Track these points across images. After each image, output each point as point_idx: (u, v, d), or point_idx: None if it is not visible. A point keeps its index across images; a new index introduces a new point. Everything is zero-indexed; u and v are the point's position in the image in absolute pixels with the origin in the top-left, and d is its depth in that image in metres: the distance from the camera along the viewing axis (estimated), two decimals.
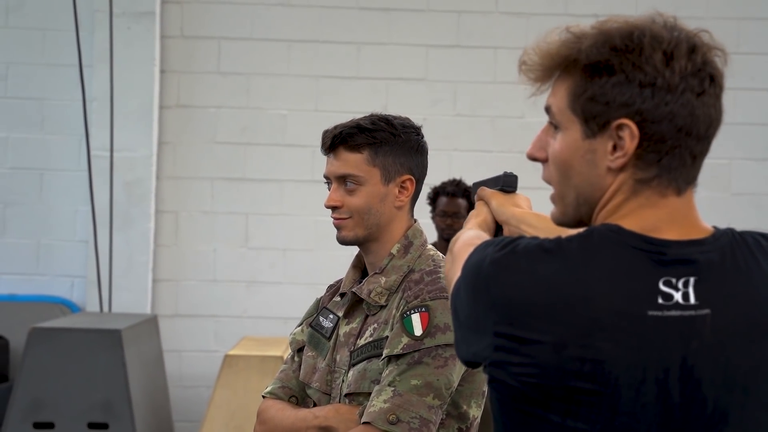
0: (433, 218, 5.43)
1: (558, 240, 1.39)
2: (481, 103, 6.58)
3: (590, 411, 1.34)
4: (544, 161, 1.48)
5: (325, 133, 2.30)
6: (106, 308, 6.12)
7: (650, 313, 1.35)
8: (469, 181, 5.47)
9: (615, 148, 1.40)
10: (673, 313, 1.36)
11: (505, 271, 1.38)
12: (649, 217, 1.41)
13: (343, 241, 2.28)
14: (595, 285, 1.35)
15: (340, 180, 2.26)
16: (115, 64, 6.20)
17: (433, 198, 5.43)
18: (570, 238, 1.40)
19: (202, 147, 6.58)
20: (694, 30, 1.43)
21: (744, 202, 6.60)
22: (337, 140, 2.25)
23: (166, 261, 6.56)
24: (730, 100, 6.77)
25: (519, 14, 6.53)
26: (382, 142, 2.25)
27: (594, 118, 1.40)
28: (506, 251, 1.40)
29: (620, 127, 1.39)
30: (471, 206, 5.38)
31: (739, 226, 5.99)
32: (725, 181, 6.59)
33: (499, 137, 6.53)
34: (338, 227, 2.28)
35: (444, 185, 5.42)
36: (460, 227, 5.72)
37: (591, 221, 1.46)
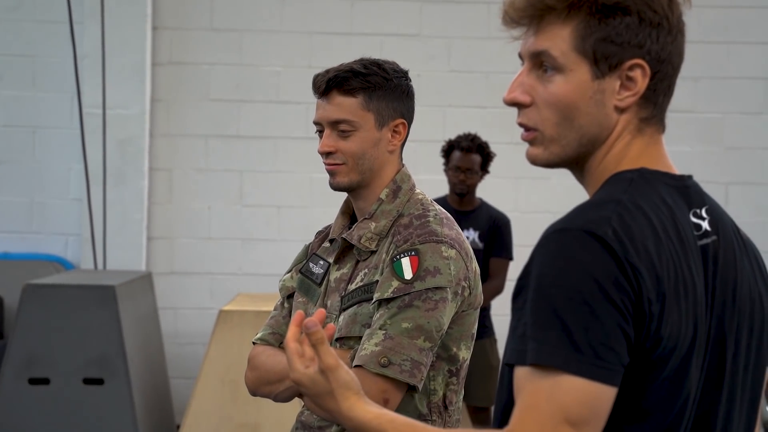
0: (446, 171, 5.42)
1: (615, 198, 1.39)
2: (475, 59, 6.55)
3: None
4: (527, 106, 1.45)
5: (318, 77, 2.27)
6: (100, 266, 6.13)
7: (698, 243, 1.42)
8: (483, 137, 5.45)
9: (621, 87, 1.42)
10: (705, 241, 1.43)
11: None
12: (658, 156, 1.47)
13: (337, 187, 2.27)
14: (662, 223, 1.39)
15: (333, 125, 2.23)
16: (106, 21, 6.16)
17: (447, 151, 5.41)
18: (622, 194, 1.40)
19: (196, 104, 6.56)
20: None
21: (737, 156, 6.59)
22: (332, 84, 2.22)
23: (161, 219, 6.56)
24: (723, 54, 6.75)
25: None
26: (376, 87, 2.23)
27: (606, 58, 1.41)
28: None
29: (632, 67, 1.41)
30: (485, 162, 5.41)
31: (733, 180, 6.04)
32: (718, 135, 6.58)
33: (493, 93, 6.50)
34: (332, 173, 2.25)
35: (459, 139, 5.40)
36: (473, 183, 5.72)
37: (587, 162, 1.47)
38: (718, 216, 1.48)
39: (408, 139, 2.32)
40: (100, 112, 6.21)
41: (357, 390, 1.48)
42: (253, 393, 2.31)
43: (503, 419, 1.39)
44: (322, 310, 1.49)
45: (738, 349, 1.45)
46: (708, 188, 5.88)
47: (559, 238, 1.33)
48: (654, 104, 1.45)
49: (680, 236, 1.39)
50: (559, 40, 1.42)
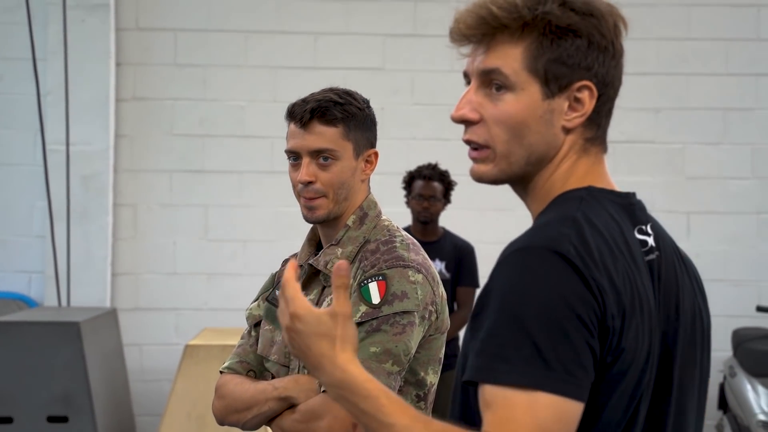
0: (408, 202, 5.46)
1: (570, 216, 1.41)
2: (438, 92, 6.61)
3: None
4: (475, 123, 1.47)
5: (296, 106, 2.26)
6: (64, 303, 6.08)
7: (644, 259, 1.45)
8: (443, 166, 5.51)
9: (568, 108, 1.45)
10: (650, 257, 1.46)
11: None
12: (602, 174, 1.50)
13: (315, 220, 2.25)
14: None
15: (314, 154, 2.23)
16: (69, 57, 6.16)
17: (409, 182, 5.47)
18: (576, 212, 1.42)
19: (160, 139, 6.55)
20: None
21: (698, 186, 6.67)
22: (316, 113, 2.22)
23: (125, 254, 6.53)
24: (682, 85, 6.85)
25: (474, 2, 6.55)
26: (353, 116, 2.25)
27: (556, 79, 1.44)
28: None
29: (580, 88, 1.45)
30: (447, 190, 5.46)
31: (694, 209, 6.09)
32: (679, 165, 6.66)
33: (456, 125, 6.51)
34: (310, 206, 2.23)
35: (420, 169, 5.46)
36: (437, 211, 5.74)
37: (532, 180, 1.49)
38: (659, 232, 1.51)
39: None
40: (64, 148, 6.19)
41: (356, 348, 1.43)
42: (221, 422, 2.30)
43: None
44: (344, 262, 1.42)
45: (683, 362, 1.47)
46: (670, 217, 6.04)
47: (521, 256, 1.33)
48: (598, 125, 1.48)
49: (631, 252, 1.41)
50: (511, 59, 1.44)
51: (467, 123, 1.48)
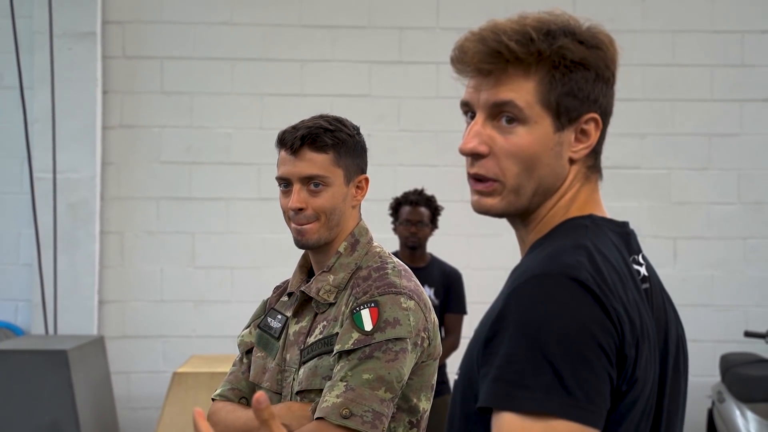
0: (395, 228, 5.47)
1: (582, 244, 1.41)
2: (424, 118, 6.63)
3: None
4: (485, 156, 1.45)
5: (286, 133, 2.27)
6: (51, 331, 6.05)
7: (641, 288, 1.45)
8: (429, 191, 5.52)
9: (575, 139, 1.46)
10: (645, 286, 1.46)
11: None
12: (598, 202, 1.52)
13: (306, 245, 2.26)
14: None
15: (304, 181, 2.24)
16: (56, 86, 6.16)
17: (396, 208, 5.48)
18: (585, 240, 1.42)
19: (147, 167, 6.55)
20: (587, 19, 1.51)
21: (684, 211, 6.71)
22: (306, 140, 2.23)
23: (112, 282, 6.51)
24: (668, 111, 6.89)
25: (460, 29, 6.52)
26: (344, 143, 2.26)
27: (567, 112, 1.44)
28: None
29: (587, 120, 1.46)
30: (433, 215, 5.47)
31: (680, 234, 6.11)
32: (665, 191, 6.70)
33: (443, 152, 6.58)
34: (301, 231, 2.24)
35: (406, 195, 5.48)
36: (424, 236, 5.72)
37: (536, 210, 1.49)
38: (648, 263, 1.52)
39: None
40: (51, 176, 6.18)
41: None
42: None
43: None
44: (262, 392, 1.42)
45: (672, 390, 1.48)
46: (656, 243, 6.07)
47: (539, 283, 1.32)
48: (597, 153, 1.50)
49: (635, 281, 1.42)
50: (524, 92, 1.43)
51: (477, 156, 1.46)
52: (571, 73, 1.43)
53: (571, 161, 1.47)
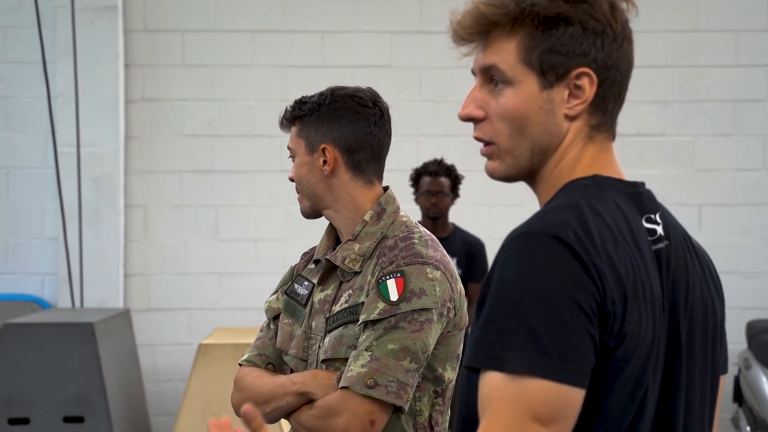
0: (416, 199, 5.47)
1: (574, 203, 1.42)
2: (446, 88, 6.61)
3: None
4: (482, 120, 1.48)
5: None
6: (78, 304, 6.10)
7: (652, 248, 1.44)
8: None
9: (569, 96, 1.45)
10: (660, 245, 1.45)
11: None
12: (609, 162, 1.50)
13: (303, 214, 2.36)
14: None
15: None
16: (78, 60, 6.17)
17: (416, 179, 5.48)
18: (580, 199, 1.43)
19: (170, 140, 6.57)
20: None
21: (709, 178, 6.66)
22: (285, 115, 2.36)
23: (137, 255, 6.54)
24: (692, 78, 6.82)
25: None
26: (308, 112, 2.29)
27: (552, 68, 1.44)
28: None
29: (579, 75, 1.44)
30: (454, 184, 5.46)
31: (706, 201, 6.08)
32: (689, 158, 6.65)
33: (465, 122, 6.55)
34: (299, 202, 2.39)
35: (426, 165, 5.47)
36: (445, 205, 5.74)
37: (541, 171, 1.49)
38: (669, 222, 1.50)
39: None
40: (74, 150, 6.20)
41: None
42: (240, 414, 2.31)
43: (465, 423, 1.42)
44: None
45: (692, 353, 1.46)
46: (681, 210, 6.04)
47: (521, 242, 1.34)
48: (603, 111, 1.47)
49: (635, 240, 1.41)
50: (506, 53, 1.45)
51: (474, 120, 1.49)
52: (551, 30, 1.43)
53: (569, 118, 1.46)
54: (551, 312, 1.28)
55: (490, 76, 1.47)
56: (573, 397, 1.28)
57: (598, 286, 1.31)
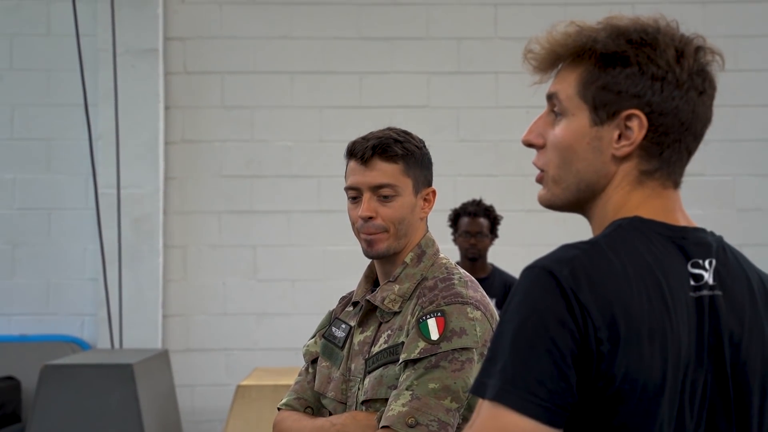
0: (455, 240, 5.46)
1: (593, 240, 1.42)
2: (483, 128, 6.62)
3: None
4: (540, 147, 1.50)
5: (358, 143, 2.31)
6: (117, 345, 6.12)
7: (690, 294, 1.41)
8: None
9: (620, 137, 1.44)
10: (705, 293, 1.42)
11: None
12: (659, 207, 1.47)
13: (376, 255, 2.28)
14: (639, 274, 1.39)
15: (374, 190, 2.27)
16: (119, 102, 6.25)
17: (455, 219, 5.47)
18: (602, 237, 1.42)
19: (209, 181, 6.62)
20: (693, 34, 1.49)
21: (749, 218, 6.61)
22: (377, 150, 2.26)
23: (176, 296, 6.57)
24: (731, 117, 6.80)
25: (518, 39, 6.57)
26: (412, 154, 2.29)
27: (604, 106, 1.44)
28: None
29: (629, 117, 1.43)
30: (493, 225, 5.45)
31: (745, 242, 6.06)
32: (729, 198, 6.60)
33: (502, 161, 6.56)
34: (370, 241, 2.27)
35: (465, 206, 5.46)
36: (484, 247, 5.67)
37: (590, 208, 1.50)
38: (729, 271, 1.46)
39: None
40: (115, 191, 6.26)
41: None
42: None
43: None
44: None
45: (746, 410, 1.42)
46: None
47: (525, 274, 1.37)
48: (658, 158, 1.45)
49: (658, 284, 1.38)
50: (567, 84, 1.47)
51: (534, 147, 1.51)
52: (608, 68, 1.44)
53: (618, 160, 1.45)
54: (525, 345, 1.30)
55: (552, 105, 1.49)
56: (535, 430, 1.28)
57: (580, 324, 1.31)
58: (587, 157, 1.46)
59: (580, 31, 1.46)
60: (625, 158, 1.45)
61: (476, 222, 5.39)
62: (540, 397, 1.29)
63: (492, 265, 5.54)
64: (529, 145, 1.51)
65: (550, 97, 1.49)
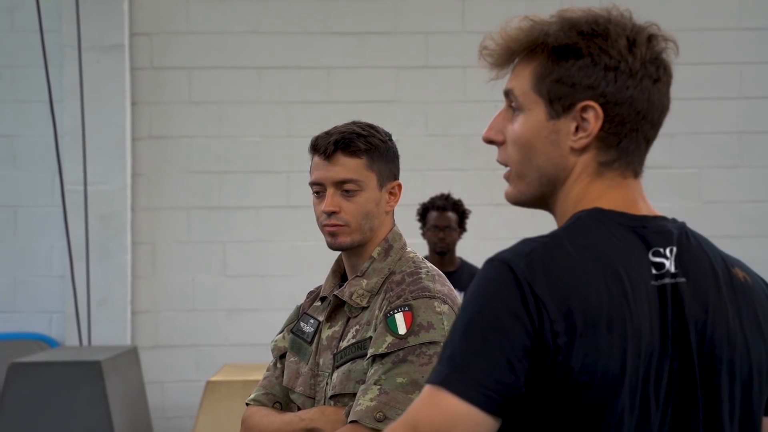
0: (423, 234, 5.46)
1: (554, 233, 1.43)
2: (452, 123, 6.63)
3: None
4: (501, 144, 1.51)
5: (321, 138, 2.30)
6: (85, 342, 6.09)
7: (651, 283, 1.41)
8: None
9: (577, 129, 1.45)
10: (667, 281, 1.42)
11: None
12: (619, 197, 1.47)
13: (339, 247, 2.28)
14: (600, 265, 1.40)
15: (338, 185, 2.27)
16: (85, 98, 6.20)
17: (423, 213, 5.47)
18: (561, 230, 1.44)
19: (177, 177, 6.58)
20: (646, 22, 1.49)
21: (714, 211, 6.66)
22: (340, 145, 2.26)
23: (145, 292, 6.54)
24: (697, 110, 6.85)
25: (485, 32, 6.55)
26: (376, 148, 2.28)
27: (559, 99, 1.45)
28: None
29: (585, 108, 1.44)
30: (461, 219, 5.46)
31: (712, 234, 6.07)
32: (695, 190, 6.65)
33: (471, 156, 6.57)
34: (333, 233, 2.26)
35: (433, 200, 5.47)
36: (452, 240, 5.70)
37: (553, 202, 1.50)
38: (692, 258, 1.46)
39: None
40: (82, 188, 6.22)
41: None
42: None
43: None
44: None
45: (714, 395, 1.42)
46: None
47: (484, 266, 1.39)
48: (616, 148, 1.46)
49: (618, 274, 1.38)
50: (522, 80, 1.48)
51: (495, 143, 1.52)
52: (560, 61, 1.44)
53: (576, 152, 1.46)
54: (476, 333, 1.32)
55: (510, 101, 1.50)
56: (473, 418, 1.29)
57: (534, 317, 1.32)
58: (546, 151, 1.46)
59: (533, 26, 1.46)
60: (583, 150, 1.45)
61: (444, 216, 5.40)
62: (485, 386, 1.30)
63: (460, 258, 5.55)
64: (489, 142, 1.52)
65: (507, 94, 1.50)
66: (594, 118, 1.43)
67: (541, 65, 1.45)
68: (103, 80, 6.38)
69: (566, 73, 1.44)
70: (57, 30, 6.37)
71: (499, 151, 1.52)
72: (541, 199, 1.50)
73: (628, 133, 1.46)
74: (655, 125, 1.49)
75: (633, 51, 1.44)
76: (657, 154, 6.96)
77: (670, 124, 6.06)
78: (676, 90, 5.81)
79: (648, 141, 1.49)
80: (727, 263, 1.52)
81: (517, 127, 1.47)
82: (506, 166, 1.51)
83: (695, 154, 6.65)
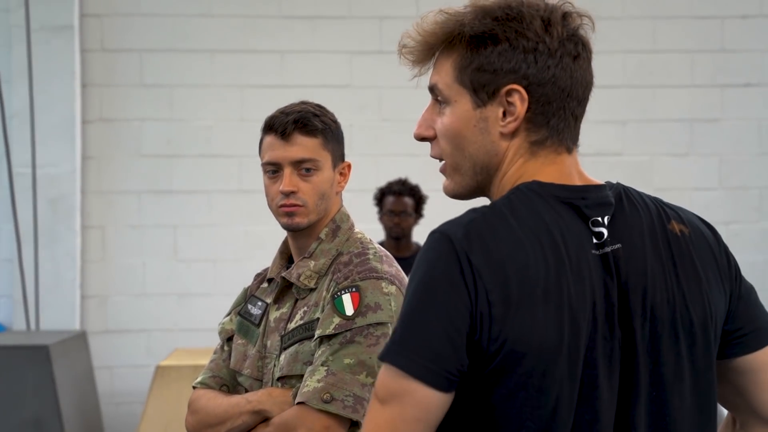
0: (380, 218, 5.46)
1: (494, 204, 1.44)
2: (406, 108, 6.61)
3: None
4: (432, 139, 1.52)
5: (276, 117, 2.27)
6: (33, 327, 6.01)
7: (593, 252, 1.43)
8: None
9: (505, 114, 1.47)
10: (607, 249, 1.44)
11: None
12: (555, 172, 1.48)
13: (296, 228, 2.25)
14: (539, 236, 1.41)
15: (295, 165, 2.24)
16: (34, 79, 6.11)
17: (380, 198, 5.47)
18: (500, 200, 1.44)
19: (127, 160, 6.51)
20: (559, 1, 1.50)
21: (666, 198, 6.64)
22: (298, 124, 2.23)
23: (95, 277, 6.47)
24: (648, 97, 6.89)
25: None
26: (329, 128, 2.28)
27: (483, 87, 1.46)
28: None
29: (509, 92, 1.46)
30: (418, 204, 5.46)
31: None
32: (647, 177, 6.70)
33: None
34: (291, 213, 2.23)
35: (390, 185, 5.47)
36: (408, 225, 5.71)
37: (490, 189, 1.51)
38: (627, 222, 1.47)
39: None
40: (30, 171, 6.13)
41: None
42: None
43: None
44: None
45: (658, 358, 1.44)
46: None
47: (427, 239, 1.41)
48: (546, 127, 1.47)
49: (556, 244, 1.39)
50: (444, 73, 1.49)
51: (427, 140, 1.53)
52: (479, 49, 1.46)
53: (506, 137, 1.47)
54: (417, 308, 1.35)
55: (436, 96, 1.51)
56: (419, 393, 1.33)
57: (470, 287, 1.35)
58: (476, 139, 1.48)
59: (448, 18, 1.48)
60: (513, 134, 1.47)
61: (401, 201, 5.40)
62: (426, 359, 1.32)
63: (417, 244, 5.55)
64: (421, 139, 1.54)
65: (432, 89, 1.51)
66: (519, 101, 1.45)
67: (461, 56, 1.47)
68: (53, 61, 6.29)
69: (486, 60, 1.45)
70: (5, 10, 6.28)
71: (432, 147, 1.53)
72: (477, 188, 1.52)
73: (556, 112, 1.47)
74: (582, 101, 1.50)
75: (549, 30, 1.45)
76: (609, 141, 7.04)
77: (622, 112, 6.18)
78: (627, 78, 5.92)
79: (576, 117, 1.50)
80: (664, 219, 1.53)
81: (446, 120, 1.49)
82: (441, 160, 1.52)
83: (647, 141, 6.70)
